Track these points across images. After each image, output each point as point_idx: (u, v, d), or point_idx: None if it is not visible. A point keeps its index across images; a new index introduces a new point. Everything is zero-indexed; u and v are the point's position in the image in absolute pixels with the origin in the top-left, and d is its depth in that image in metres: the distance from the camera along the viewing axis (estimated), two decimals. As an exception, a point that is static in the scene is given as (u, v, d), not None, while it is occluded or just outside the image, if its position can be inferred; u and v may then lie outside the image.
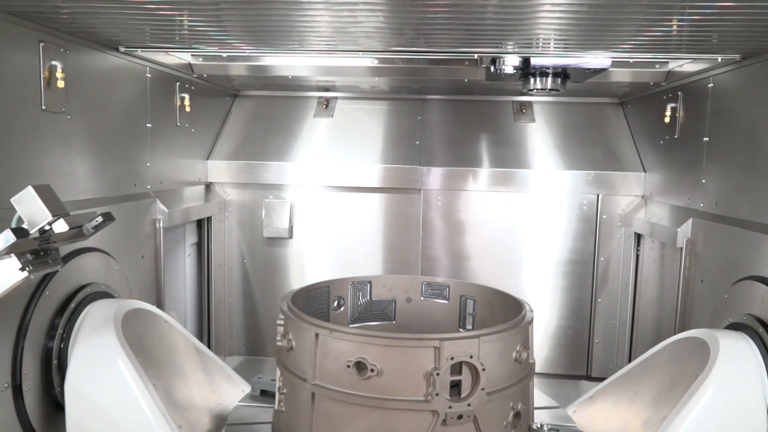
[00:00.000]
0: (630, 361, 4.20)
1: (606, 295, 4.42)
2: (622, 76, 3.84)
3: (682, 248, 3.35)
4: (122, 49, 3.17)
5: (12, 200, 2.02)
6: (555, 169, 4.38)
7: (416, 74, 3.91)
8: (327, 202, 4.57)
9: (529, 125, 4.58)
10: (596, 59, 3.17)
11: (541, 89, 3.42)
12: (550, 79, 3.39)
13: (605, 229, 4.37)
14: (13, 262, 1.97)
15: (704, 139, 3.28)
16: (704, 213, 3.26)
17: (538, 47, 3.00)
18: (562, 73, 3.41)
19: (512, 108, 4.66)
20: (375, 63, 3.82)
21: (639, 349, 4.15)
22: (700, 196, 3.32)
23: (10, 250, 1.90)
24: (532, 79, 3.43)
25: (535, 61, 3.22)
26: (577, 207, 4.40)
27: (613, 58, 3.31)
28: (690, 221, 3.32)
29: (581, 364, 4.53)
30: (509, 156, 4.46)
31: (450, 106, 4.73)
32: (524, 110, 4.63)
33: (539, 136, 4.54)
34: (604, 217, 4.37)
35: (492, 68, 3.31)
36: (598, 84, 4.04)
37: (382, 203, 4.54)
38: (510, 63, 3.25)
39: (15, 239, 1.86)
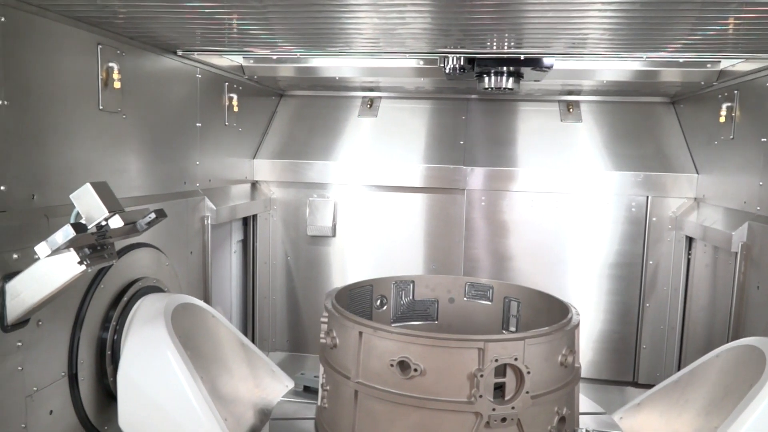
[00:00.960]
0: (679, 368, 4.08)
1: (655, 300, 4.30)
2: (671, 75, 3.72)
3: (737, 253, 3.23)
4: (179, 53, 3.27)
5: (71, 196, 2.10)
6: (603, 169, 4.28)
7: (462, 75, 3.89)
8: (370, 201, 4.59)
9: (576, 125, 4.50)
10: (543, 59, 3.18)
11: (496, 88, 3.43)
12: (504, 78, 3.40)
13: (655, 232, 4.26)
14: (72, 255, 2.05)
15: (762, 139, 3.15)
16: (761, 216, 3.13)
17: (586, 48, 2.95)
18: (515, 73, 3.41)
19: (559, 108, 4.59)
20: (420, 64, 3.82)
21: (689, 357, 4.02)
22: (756, 199, 3.19)
23: (69, 244, 1.98)
24: (486, 78, 3.43)
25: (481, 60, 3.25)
26: (625, 209, 4.30)
27: (662, 58, 3.23)
28: (746, 225, 3.20)
29: (627, 370, 4.42)
30: (555, 156, 4.39)
31: (495, 106, 4.69)
32: (571, 110, 4.55)
33: (587, 137, 4.45)
34: (654, 219, 4.25)
35: (444, 68, 3.32)
36: (647, 83, 3.93)
37: (425, 203, 4.53)
38: (452, 63, 3.26)
39: (74, 234, 1.94)
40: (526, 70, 3.41)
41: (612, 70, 3.77)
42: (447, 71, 3.33)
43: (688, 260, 4.19)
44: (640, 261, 4.31)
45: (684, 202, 4.20)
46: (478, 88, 3.57)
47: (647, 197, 4.26)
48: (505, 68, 3.36)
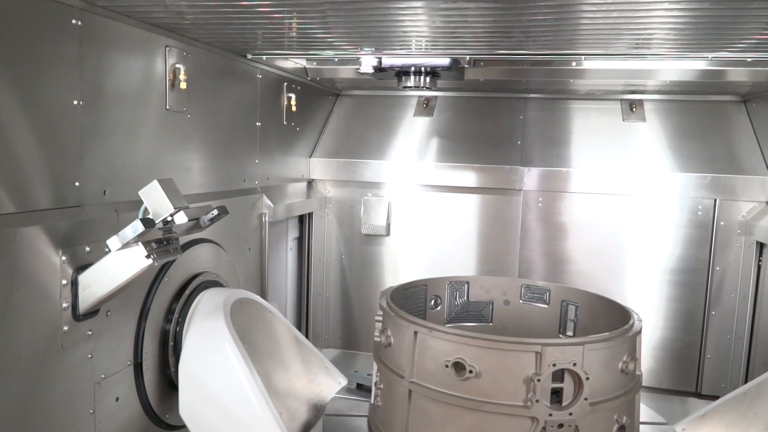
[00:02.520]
0: (747, 380, 3.90)
1: (721, 308, 4.11)
2: (737, 75, 3.54)
3: (812, 260, 3.05)
4: (249, 56, 3.36)
5: (140, 192, 2.18)
6: (667, 171, 4.13)
7: (520, 75, 3.83)
8: (424, 201, 4.59)
9: (639, 125, 4.36)
10: (437, 59, 3.31)
11: (414, 87, 3.58)
12: (422, 78, 3.55)
13: (722, 237, 4.07)
14: (140, 250, 2.13)
15: (843, 141, 2.97)
16: (841, 223, 2.95)
17: (650, 48, 2.85)
18: (431, 72, 3.55)
19: (621, 107, 4.45)
20: (480, 65, 3.77)
21: (758, 368, 3.83)
22: (836, 204, 3.01)
23: (138, 238, 2.06)
24: (404, 78, 3.57)
25: (385, 61, 3.39)
26: (691, 212, 4.13)
27: (729, 57, 3.09)
28: (823, 231, 3.02)
29: (690, 380, 4.25)
30: (616, 157, 4.26)
31: (553, 105, 4.59)
32: (634, 109, 4.41)
33: (650, 137, 4.30)
34: (722, 223, 4.07)
35: (358, 70, 3.45)
36: (713, 83, 3.77)
37: (480, 203, 4.49)
38: (367, 63, 3.39)
39: (143, 229, 2.01)
40: (441, 72, 3.54)
41: (675, 69, 3.62)
42: (361, 72, 3.42)
43: (759, 267, 3.99)
44: (706, 267, 4.13)
45: (755, 206, 4.00)
46: (397, 87, 3.69)
47: (715, 200, 4.08)
48: (423, 68, 3.50)
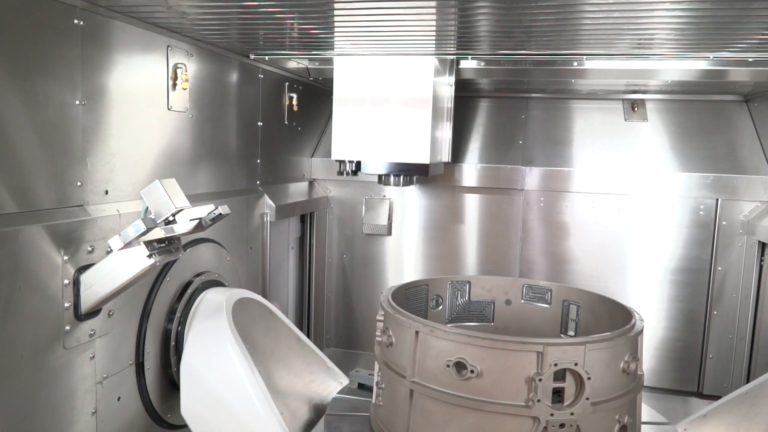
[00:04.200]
0: (749, 380, 3.90)
1: (723, 308, 4.11)
2: (738, 75, 3.53)
3: (814, 260, 3.05)
4: (252, 57, 3.36)
5: (142, 192, 2.18)
6: (669, 171, 4.13)
7: (521, 75, 3.83)
8: (426, 201, 4.58)
9: (641, 124, 4.35)
10: (416, 156, 3.62)
11: (395, 185, 3.94)
12: (401, 178, 3.88)
13: (724, 237, 4.07)
14: (142, 249, 2.13)
15: None
16: (843, 223, 2.95)
17: (651, 48, 2.85)
18: (410, 179, 3.99)
19: (623, 106, 4.45)
20: (482, 65, 3.77)
21: (760, 368, 3.83)
22: (838, 204, 3.00)
23: (140, 238, 2.06)
24: (384, 177, 3.91)
25: (365, 168, 3.80)
26: (692, 212, 4.13)
27: (730, 57, 3.09)
28: (825, 231, 3.02)
29: (692, 380, 4.25)
30: (618, 156, 4.26)
31: (555, 105, 4.59)
32: (636, 108, 4.40)
33: (652, 136, 4.29)
34: (724, 223, 4.07)
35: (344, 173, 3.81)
36: (717, 82, 3.76)
37: (481, 203, 4.49)
38: (347, 168, 3.79)
39: (145, 228, 2.02)
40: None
41: (676, 69, 3.61)
42: (342, 173, 3.81)
43: (761, 267, 3.99)
44: (708, 267, 4.13)
45: (757, 206, 4.00)
46: (378, 183, 4.01)
47: (717, 200, 4.07)
48: (402, 173, 3.82)
